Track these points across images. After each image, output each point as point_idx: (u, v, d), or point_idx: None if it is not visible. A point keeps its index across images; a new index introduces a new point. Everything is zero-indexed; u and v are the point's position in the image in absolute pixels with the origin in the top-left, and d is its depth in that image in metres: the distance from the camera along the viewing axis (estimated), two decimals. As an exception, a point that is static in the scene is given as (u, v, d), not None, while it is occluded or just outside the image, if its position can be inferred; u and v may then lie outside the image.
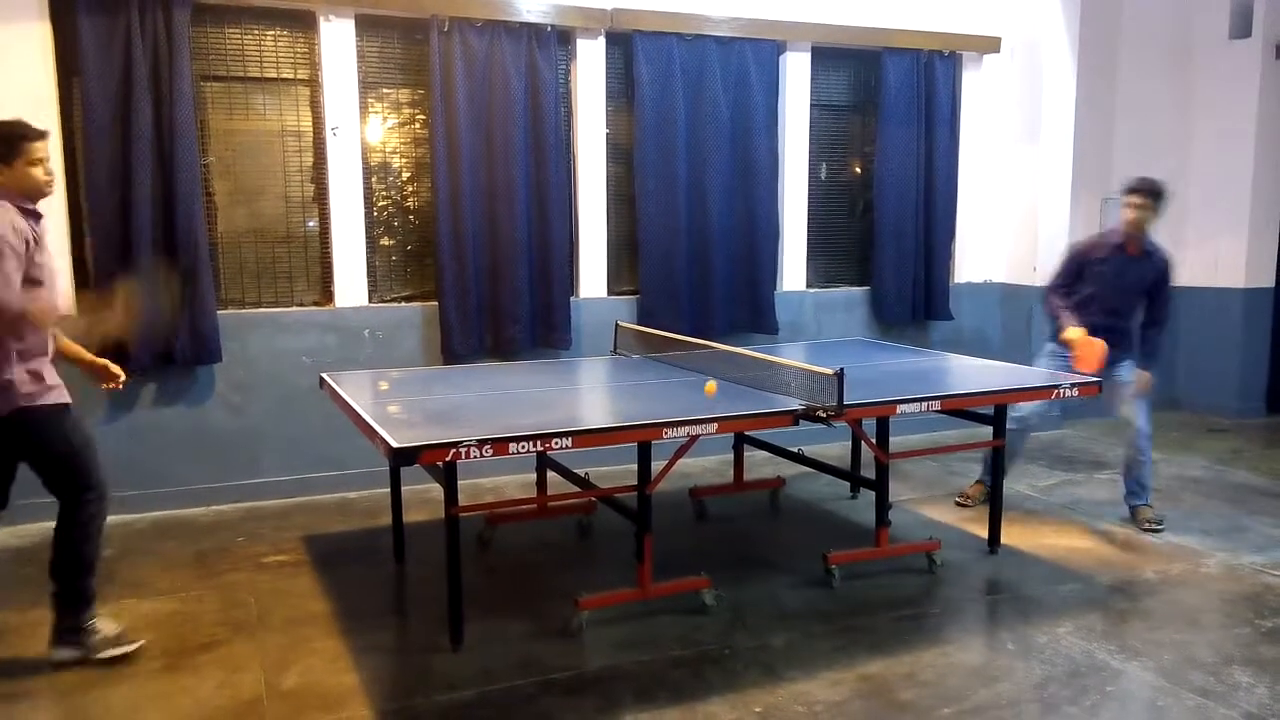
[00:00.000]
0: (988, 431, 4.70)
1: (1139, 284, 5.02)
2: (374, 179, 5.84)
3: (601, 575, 4.28)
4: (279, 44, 5.53)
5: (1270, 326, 7.70)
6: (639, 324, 5.88)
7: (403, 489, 4.65)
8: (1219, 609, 4.10)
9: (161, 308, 4.98)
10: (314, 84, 5.59)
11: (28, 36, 4.90)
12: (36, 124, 3.40)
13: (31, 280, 3.28)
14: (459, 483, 3.58)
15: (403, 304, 5.91)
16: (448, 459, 3.25)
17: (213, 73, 5.40)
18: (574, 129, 6.16)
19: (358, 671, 3.50)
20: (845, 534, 4.98)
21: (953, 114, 7.05)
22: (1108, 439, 6.92)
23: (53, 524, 3.47)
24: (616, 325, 5.58)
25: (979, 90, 7.23)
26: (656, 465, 3.88)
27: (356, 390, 4.29)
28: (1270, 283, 7.64)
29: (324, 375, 4.56)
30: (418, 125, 5.92)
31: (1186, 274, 7.18)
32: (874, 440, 4.55)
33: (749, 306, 6.60)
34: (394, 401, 4.21)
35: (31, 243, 3.29)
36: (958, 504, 5.43)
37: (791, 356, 4.67)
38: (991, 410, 4.59)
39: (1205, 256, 7.63)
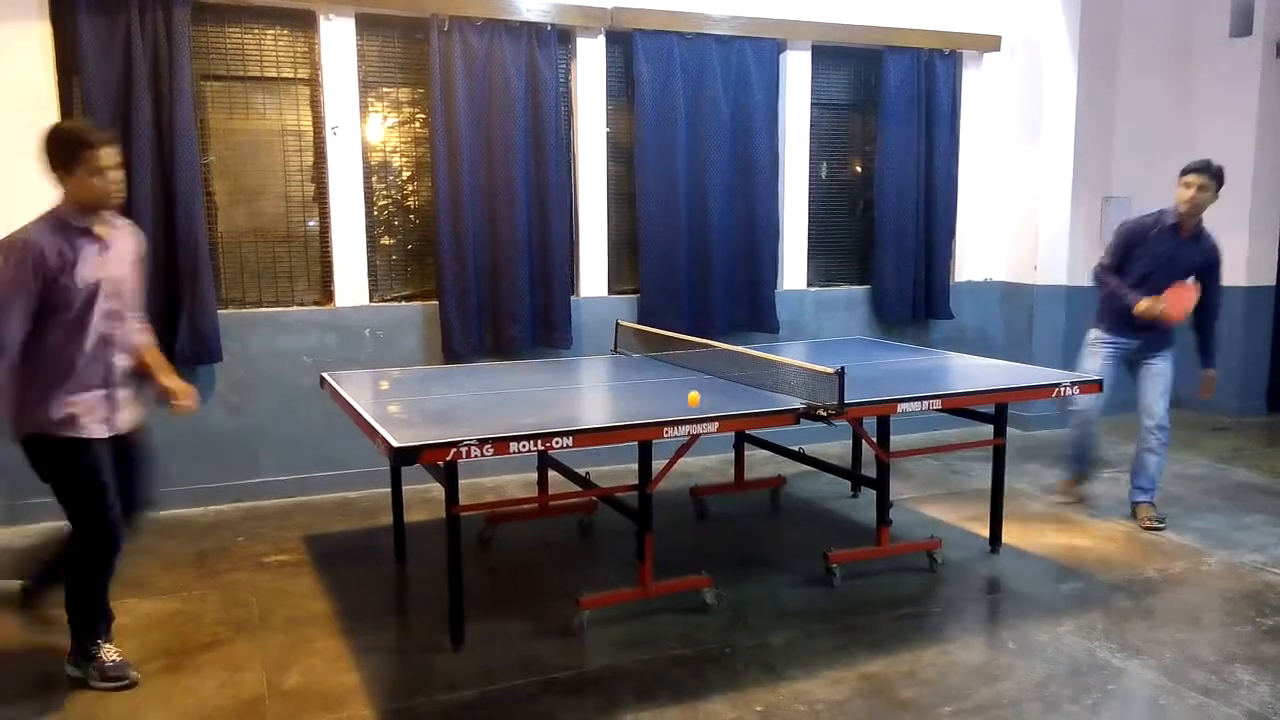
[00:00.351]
0: (988, 430, 4.69)
1: (1187, 267, 4.94)
2: (374, 178, 5.84)
3: (602, 574, 4.28)
4: (279, 43, 5.53)
5: (1271, 325, 7.69)
6: (639, 323, 5.88)
7: (403, 488, 4.65)
8: (1220, 607, 4.10)
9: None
10: (314, 83, 5.59)
11: (27, 35, 4.90)
12: (103, 129, 3.16)
13: (52, 305, 3.09)
14: (460, 482, 3.58)
15: (403, 303, 5.91)
16: (448, 458, 3.25)
17: (213, 72, 5.40)
18: (574, 128, 6.15)
19: (359, 671, 3.50)
20: (846, 533, 4.98)
21: (953, 113, 7.05)
22: (1108, 437, 6.91)
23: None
24: (617, 324, 5.58)
25: (979, 89, 7.23)
26: (657, 464, 3.88)
27: (357, 390, 4.29)
28: (1271, 281, 7.63)
29: (324, 375, 4.56)
30: (418, 124, 5.92)
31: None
32: (875, 439, 4.55)
33: (749, 305, 6.60)
34: (394, 401, 4.21)
35: (66, 265, 3.09)
36: (1061, 504, 5.36)
37: (792, 355, 4.67)
38: (992, 409, 4.58)
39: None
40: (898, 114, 6.83)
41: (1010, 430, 4.81)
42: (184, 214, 5.13)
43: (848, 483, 5.62)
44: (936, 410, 4.24)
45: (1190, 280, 4.94)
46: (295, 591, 4.24)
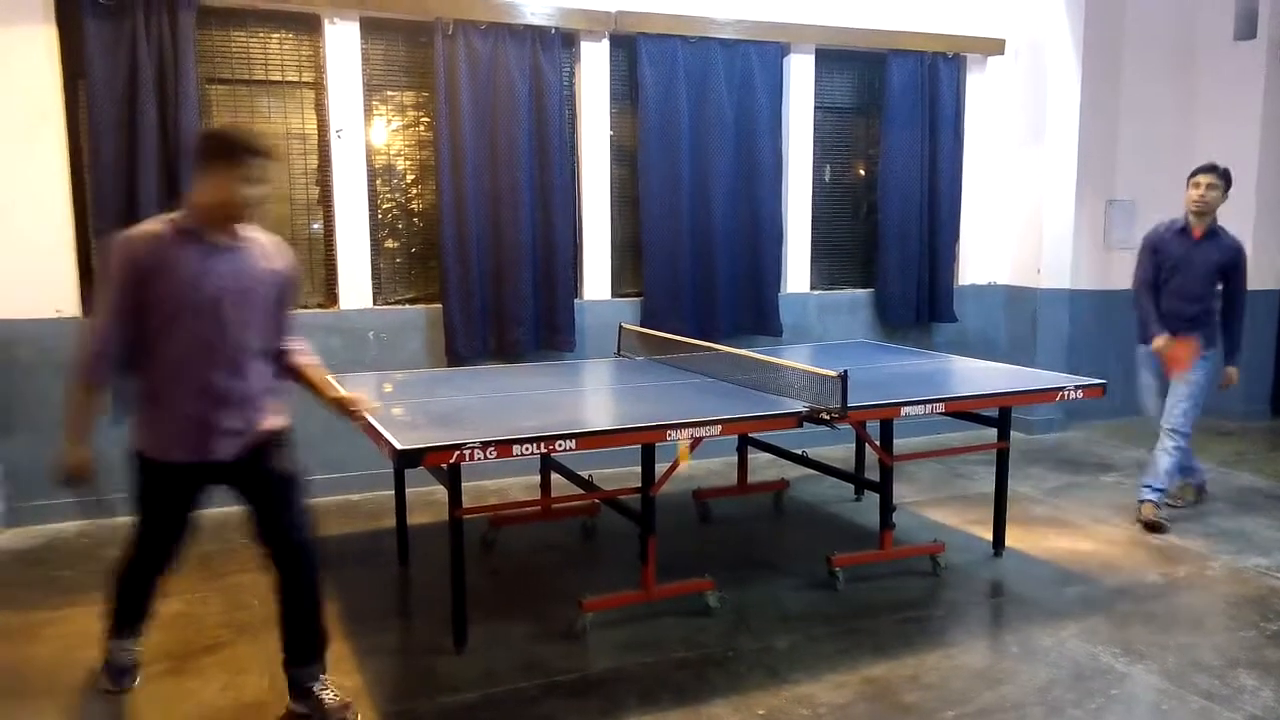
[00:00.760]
0: (992, 434, 4.68)
1: (1206, 267, 5.00)
2: (378, 181, 5.85)
3: (605, 577, 4.28)
4: (284, 47, 5.54)
5: (1275, 330, 7.68)
6: (643, 326, 5.89)
7: (406, 491, 4.66)
8: (1224, 612, 4.09)
9: None
10: (319, 87, 5.60)
11: (33, 39, 4.92)
12: (262, 142, 2.93)
13: (147, 310, 2.89)
14: (463, 485, 3.59)
15: (407, 306, 5.92)
16: (452, 461, 3.26)
17: (218, 75, 5.42)
18: (578, 131, 6.16)
19: (361, 673, 3.51)
20: (849, 536, 4.98)
21: (957, 116, 7.05)
22: (1111, 441, 6.91)
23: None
24: (620, 327, 5.58)
25: (983, 92, 7.23)
26: (660, 467, 3.88)
27: (361, 392, 4.27)
28: (1275, 285, 7.62)
29: (328, 377, 4.55)
30: (422, 128, 5.93)
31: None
32: (878, 442, 4.54)
33: (753, 309, 6.60)
34: (398, 403, 4.21)
35: (163, 269, 2.88)
36: (1172, 507, 5.28)
37: (795, 358, 4.67)
38: (996, 413, 4.58)
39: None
40: (901, 117, 6.83)
41: (1014, 434, 4.81)
42: (189, 217, 5.14)
43: (851, 486, 5.61)
44: (940, 414, 4.24)
45: (1217, 286, 5.08)
46: (298, 594, 4.24)
